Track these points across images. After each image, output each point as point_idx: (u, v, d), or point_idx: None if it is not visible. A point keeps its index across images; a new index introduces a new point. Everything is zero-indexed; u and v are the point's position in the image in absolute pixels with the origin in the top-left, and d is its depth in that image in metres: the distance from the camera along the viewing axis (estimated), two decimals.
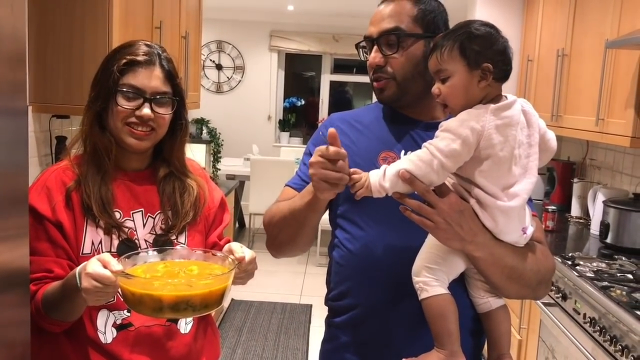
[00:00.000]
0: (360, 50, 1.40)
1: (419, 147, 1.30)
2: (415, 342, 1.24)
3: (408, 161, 1.13)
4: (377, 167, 1.26)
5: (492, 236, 1.17)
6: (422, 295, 1.18)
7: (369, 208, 1.28)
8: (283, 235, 1.36)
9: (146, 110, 1.29)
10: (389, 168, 1.14)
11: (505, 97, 1.18)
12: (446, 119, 1.19)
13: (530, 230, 1.21)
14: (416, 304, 1.19)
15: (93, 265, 1.09)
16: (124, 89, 1.29)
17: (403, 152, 1.31)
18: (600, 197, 2.82)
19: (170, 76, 1.34)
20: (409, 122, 1.36)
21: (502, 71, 1.16)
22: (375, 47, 1.32)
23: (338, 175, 1.12)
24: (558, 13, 3.21)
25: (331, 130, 1.11)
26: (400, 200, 1.15)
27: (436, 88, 1.19)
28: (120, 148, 1.34)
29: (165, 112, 1.33)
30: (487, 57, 1.14)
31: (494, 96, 1.17)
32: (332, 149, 1.11)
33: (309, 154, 1.40)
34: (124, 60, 1.29)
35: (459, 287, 1.24)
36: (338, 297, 1.34)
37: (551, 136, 1.22)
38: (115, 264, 1.09)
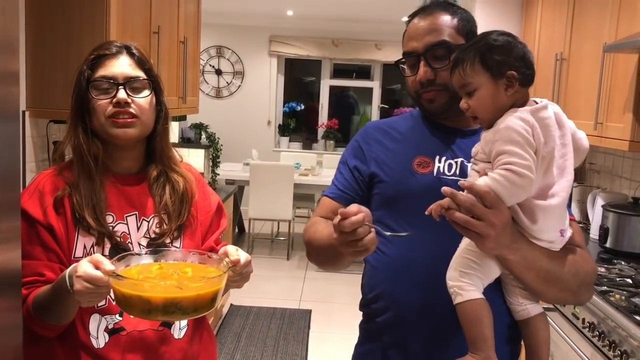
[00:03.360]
0: (402, 66, 1.41)
1: (455, 154, 1.33)
2: (449, 345, 1.24)
3: (496, 184, 1.10)
4: (411, 171, 1.31)
5: (526, 239, 1.17)
6: (457, 300, 1.17)
7: (405, 212, 1.31)
8: (322, 259, 1.40)
9: (121, 93, 1.30)
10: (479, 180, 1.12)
11: (535, 101, 1.19)
12: (480, 127, 1.22)
13: (568, 234, 1.21)
14: (450, 307, 1.19)
15: (84, 267, 1.09)
16: (96, 82, 1.30)
17: (438, 157, 1.33)
18: (600, 202, 2.81)
19: (140, 61, 1.36)
20: (445, 131, 1.39)
21: (526, 76, 1.17)
22: (423, 62, 1.33)
23: (364, 243, 1.07)
24: (556, 17, 3.21)
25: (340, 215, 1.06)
26: (446, 215, 1.12)
27: (464, 102, 1.20)
28: (109, 148, 1.34)
29: (142, 96, 1.33)
30: (509, 64, 1.16)
31: (522, 102, 1.18)
32: (347, 222, 1.05)
33: (344, 162, 1.44)
34: (92, 56, 1.33)
35: (495, 293, 1.24)
36: (373, 299, 1.36)
37: (581, 135, 1.23)
38: (108, 264, 1.08)
